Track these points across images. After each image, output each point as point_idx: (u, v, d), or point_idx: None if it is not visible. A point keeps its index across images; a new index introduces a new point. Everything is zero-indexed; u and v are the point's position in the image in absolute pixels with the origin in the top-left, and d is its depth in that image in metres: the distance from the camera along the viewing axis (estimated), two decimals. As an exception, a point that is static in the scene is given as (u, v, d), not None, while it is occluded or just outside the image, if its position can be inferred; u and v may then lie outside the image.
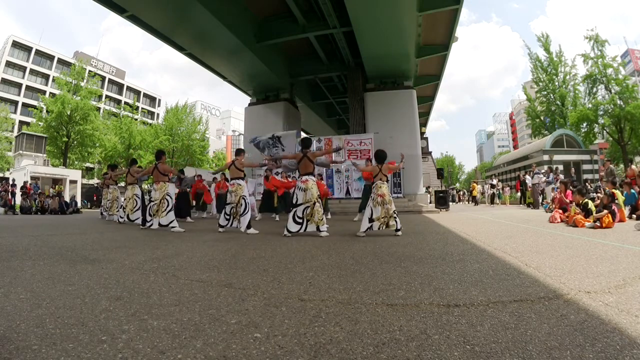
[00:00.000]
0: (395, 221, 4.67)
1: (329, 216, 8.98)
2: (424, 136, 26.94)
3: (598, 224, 5.15)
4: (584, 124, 25.59)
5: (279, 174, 9.44)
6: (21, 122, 35.84)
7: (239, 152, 5.94)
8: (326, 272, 2.44)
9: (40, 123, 25.56)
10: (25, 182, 16.25)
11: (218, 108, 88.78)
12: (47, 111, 25.34)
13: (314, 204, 4.75)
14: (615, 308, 1.56)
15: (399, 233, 4.65)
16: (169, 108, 32.49)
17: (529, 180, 13.36)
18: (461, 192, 29.85)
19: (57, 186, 19.36)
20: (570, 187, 7.76)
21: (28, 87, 40.29)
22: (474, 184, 21.42)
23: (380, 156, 5.00)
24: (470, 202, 22.10)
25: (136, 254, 3.29)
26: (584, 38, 25.15)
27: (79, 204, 18.15)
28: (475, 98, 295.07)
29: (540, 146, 26.03)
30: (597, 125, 25.51)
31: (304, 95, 20.82)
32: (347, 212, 11.52)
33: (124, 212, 7.57)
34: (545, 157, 23.54)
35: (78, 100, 24.65)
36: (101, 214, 9.68)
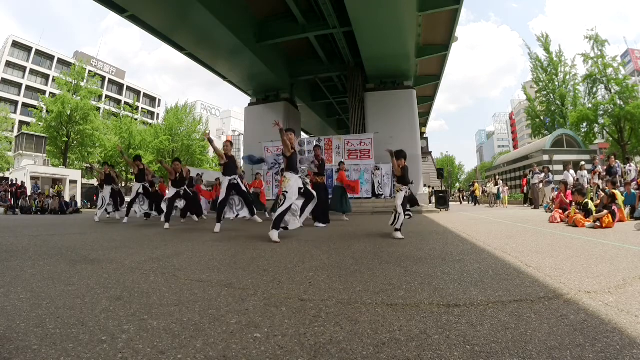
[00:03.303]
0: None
1: (346, 218, 8.18)
2: (424, 136, 26.95)
3: (598, 224, 5.15)
4: (584, 124, 25.58)
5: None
6: (21, 122, 35.84)
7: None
8: (326, 272, 2.44)
9: (40, 123, 25.58)
10: (22, 183, 16.31)
11: (218, 108, 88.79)
12: (47, 111, 25.36)
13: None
14: (615, 308, 1.56)
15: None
16: (169, 108, 32.54)
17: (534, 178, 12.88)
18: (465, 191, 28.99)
19: (57, 186, 19.37)
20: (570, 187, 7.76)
21: (28, 87, 40.30)
22: (476, 184, 21.38)
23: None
24: (470, 202, 22.06)
25: (136, 254, 3.28)
26: (584, 38, 25.19)
27: (79, 204, 18.15)
28: (475, 98, 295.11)
29: (540, 146, 26.03)
30: (597, 125, 25.50)
31: (304, 95, 20.83)
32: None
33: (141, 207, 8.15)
34: (545, 157, 23.53)
35: (78, 100, 24.67)
36: (107, 212, 9.40)
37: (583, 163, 12.12)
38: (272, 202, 10.72)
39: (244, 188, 5.69)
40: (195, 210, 8.60)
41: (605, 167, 10.34)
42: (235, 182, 5.53)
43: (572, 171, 11.54)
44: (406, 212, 4.82)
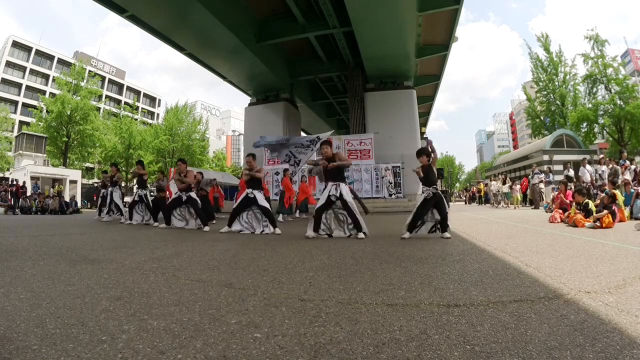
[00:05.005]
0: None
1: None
2: (424, 136, 26.94)
3: (598, 224, 5.15)
4: (584, 124, 25.61)
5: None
6: (21, 122, 35.86)
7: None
8: (326, 272, 2.44)
9: (40, 123, 25.59)
10: (23, 183, 16.32)
11: (218, 108, 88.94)
12: (47, 111, 25.38)
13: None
14: (615, 308, 1.56)
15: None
16: (169, 108, 32.53)
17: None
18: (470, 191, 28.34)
19: (57, 186, 19.37)
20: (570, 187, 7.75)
21: (28, 87, 40.33)
22: (481, 184, 21.32)
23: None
24: (472, 202, 22.02)
25: (136, 254, 3.28)
26: (584, 38, 25.21)
27: (79, 204, 18.16)
28: (475, 98, 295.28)
29: (540, 146, 26.04)
30: (597, 125, 25.52)
31: (304, 95, 20.84)
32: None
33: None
34: (545, 157, 23.55)
35: (78, 100, 24.68)
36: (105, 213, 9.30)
37: (602, 156, 11.28)
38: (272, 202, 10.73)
39: (263, 203, 5.54)
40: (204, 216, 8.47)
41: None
42: (252, 196, 5.51)
43: (588, 167, 10.58)
44: (436, 228, 4.33)
